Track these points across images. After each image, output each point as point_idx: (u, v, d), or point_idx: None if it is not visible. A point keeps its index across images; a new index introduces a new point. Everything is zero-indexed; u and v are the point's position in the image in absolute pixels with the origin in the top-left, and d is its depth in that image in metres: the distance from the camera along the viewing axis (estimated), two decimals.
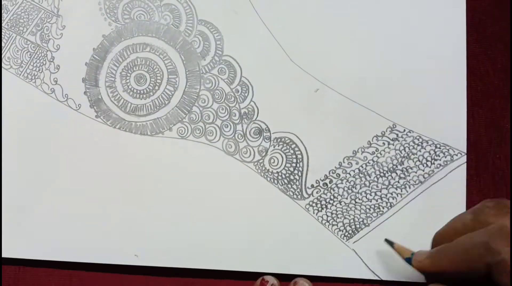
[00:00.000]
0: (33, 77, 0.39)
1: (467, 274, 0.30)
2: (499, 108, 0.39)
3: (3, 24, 0.40)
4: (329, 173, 0.38)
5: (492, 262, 0.29)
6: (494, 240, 0.29)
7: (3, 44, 0.40)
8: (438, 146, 0.38)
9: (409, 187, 0.37)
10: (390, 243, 0.36)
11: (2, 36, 0.40)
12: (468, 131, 0.38)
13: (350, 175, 0.38)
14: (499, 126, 0.39)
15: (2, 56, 0.40)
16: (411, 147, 0.38)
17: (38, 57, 0.39)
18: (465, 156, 0.37)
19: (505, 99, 0.39)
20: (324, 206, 0.38)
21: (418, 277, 0.36)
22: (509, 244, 0.28)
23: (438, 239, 0.34)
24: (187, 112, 0.39)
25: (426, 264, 0.33)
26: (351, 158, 0.38)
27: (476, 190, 0.38)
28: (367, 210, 0.38)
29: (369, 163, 0.38)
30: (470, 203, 0.37)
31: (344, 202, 0.38)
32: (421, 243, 0.36)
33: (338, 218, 0.38)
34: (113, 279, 0.38)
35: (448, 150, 0.38)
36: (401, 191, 0.37)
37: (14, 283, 0.38)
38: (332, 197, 0.38)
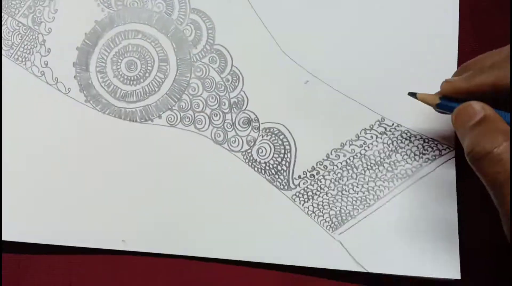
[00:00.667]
0: (23, 59, 0.39)
1: (504, 88, 0.29)
2: None
3: None
4: (317, 165, 0.38)
5: None
6: None
7: None
8: (426, 140, 0.38)
9: (397, 180, 0.37)
10: (412, 94, 0.34)
11: None
12: None
13: (338, 167, 0.38)
14: None
15: None
16: (399, 141, 0.38)
17: (29, 40, 0.39)
18: (454, 151, 0.37)
19: None
20: (310, 197, 0.38)
21: (405, 269, 0.36)
22: None
23: (466, 67, 0.32)
24: (176, 100, 0.39)
25: (461, 84, 0.31)
26: (338, 150, 0.38)
27: (467, 185, 0.38)
28: (354, 202, 0.37)
29: (357, 155, 0.38)
30: (460, 198, 0.37)
31: (331, 194, 0.38)
32: (408, 237, 0.36)
33: (325, 209, 0.38)
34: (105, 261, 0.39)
35: (437, 145, 0.38)
36: (388, 184, 0.37)
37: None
38: (319, 188, 0.38)
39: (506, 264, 0.37)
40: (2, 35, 0.40)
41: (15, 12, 0.40)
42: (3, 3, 0.39)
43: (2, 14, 0.40)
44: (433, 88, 0.38)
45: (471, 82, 0.31)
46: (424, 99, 0.34)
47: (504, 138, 0.28)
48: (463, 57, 0.38)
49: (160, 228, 0.38)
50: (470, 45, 0.39)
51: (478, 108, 0.30)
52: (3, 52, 0.39)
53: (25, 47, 0.39)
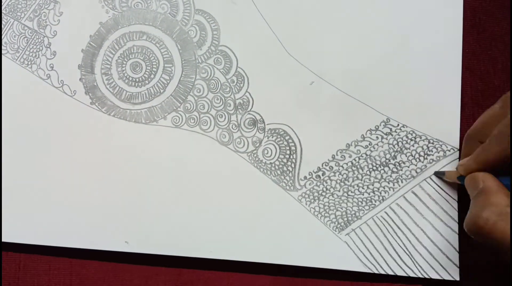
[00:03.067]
0: (29, 63, 0.39)
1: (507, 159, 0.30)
2: None
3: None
4: (322, 166, 0.38)
5: None
6: None
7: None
8: (431, 141, 0.38)
9: (401, 182, 0.38)
10: (441, 173, 0.37)
11: None
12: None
13: (343, 168, 0.38)
14: None
15: None
16: (404, 142, 0.38)
17: (35, 43, 0.39)
18: (458, 152, 0.37)
19: None
20: (316, 198, 0.38)
21: (408, 270, 0.37)
22: None
23: (470, 137, 0.34)
24: (182, 101, 0.39)
25: (471, 164, 0.33)
26: (344, 151, 0.38)
27: None
28: (359, 203, 0.38)
29: (362, 156, 0.38)
30: (462, 198, 0.37)
31: (337, 195, 0.38)
32: (411, 238, 0.37)
33: (331, 210, 0.38)
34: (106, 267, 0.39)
35: (441, 146, 0.38)
36: (393, 185, 0.38)
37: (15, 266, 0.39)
38: (324, 189, 0.38)
39: (505, 266, 0.37)
40: (8, 39, 0.40)
41: (20, 16, 0.40)
42: (9, 7, 0.40)
43: (8, 18, 0.40)
44: (437, 88, 0.38)
45: (479, 162, 0.33)
46: (450, 178, 0.36)
47: (496, 211, 0.29)
48: (465, 57, 0.39)
49: (164, 229, 0.38)
50: (471, 46, 0.39)
51: (479, 179, 0.32)
52: (9, 55, 0.40)
53: (31, 50, 0.39)
